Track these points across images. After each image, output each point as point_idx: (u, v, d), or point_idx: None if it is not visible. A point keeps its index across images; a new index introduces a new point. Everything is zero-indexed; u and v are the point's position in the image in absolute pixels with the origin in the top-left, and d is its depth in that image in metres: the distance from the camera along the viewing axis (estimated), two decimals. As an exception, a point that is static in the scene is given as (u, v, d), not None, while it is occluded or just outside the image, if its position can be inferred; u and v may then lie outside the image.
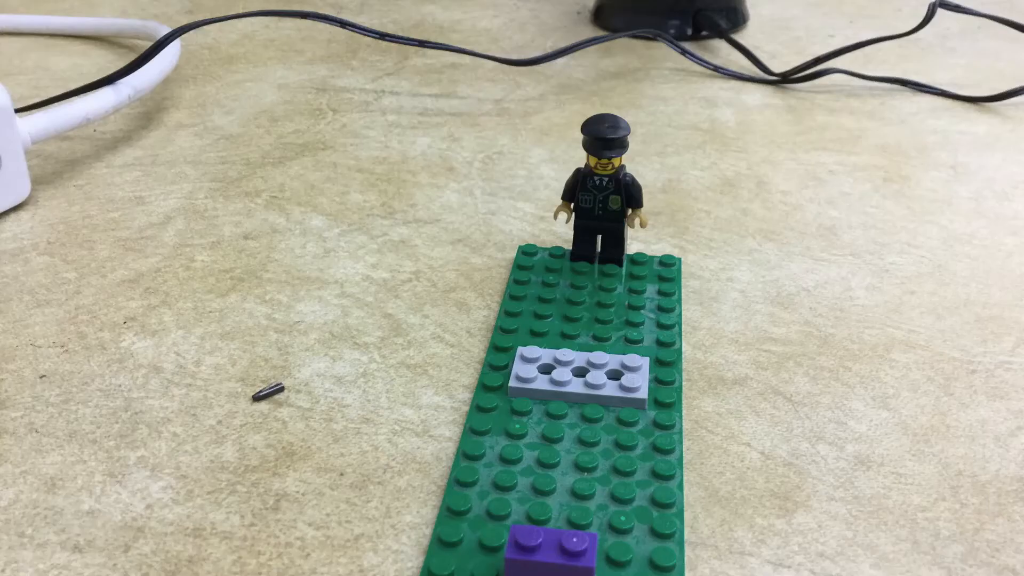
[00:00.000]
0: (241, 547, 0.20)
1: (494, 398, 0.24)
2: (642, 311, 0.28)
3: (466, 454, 0.22)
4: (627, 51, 0.52)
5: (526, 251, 0.31)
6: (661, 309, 0.28)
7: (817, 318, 0.28)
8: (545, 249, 0.31)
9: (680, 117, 0.43)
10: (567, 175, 0.37)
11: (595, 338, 0.27)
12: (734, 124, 0.42)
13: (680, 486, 0.21)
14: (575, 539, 0.18)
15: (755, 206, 0.35)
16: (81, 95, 0.36)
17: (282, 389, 0.24)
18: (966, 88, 0.46)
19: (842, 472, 0.22)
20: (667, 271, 0.29)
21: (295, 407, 0.24)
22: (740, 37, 0.53)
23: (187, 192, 0.35)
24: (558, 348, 0.26)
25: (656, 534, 0.20)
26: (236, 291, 0.29)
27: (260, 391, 0.24)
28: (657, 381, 0.25)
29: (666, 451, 0.22)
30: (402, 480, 0.22)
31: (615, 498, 0.21)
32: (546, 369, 0.25)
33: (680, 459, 0.22)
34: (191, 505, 0.21)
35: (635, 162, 0.38)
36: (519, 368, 0.25)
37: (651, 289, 0.29)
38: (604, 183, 0.28)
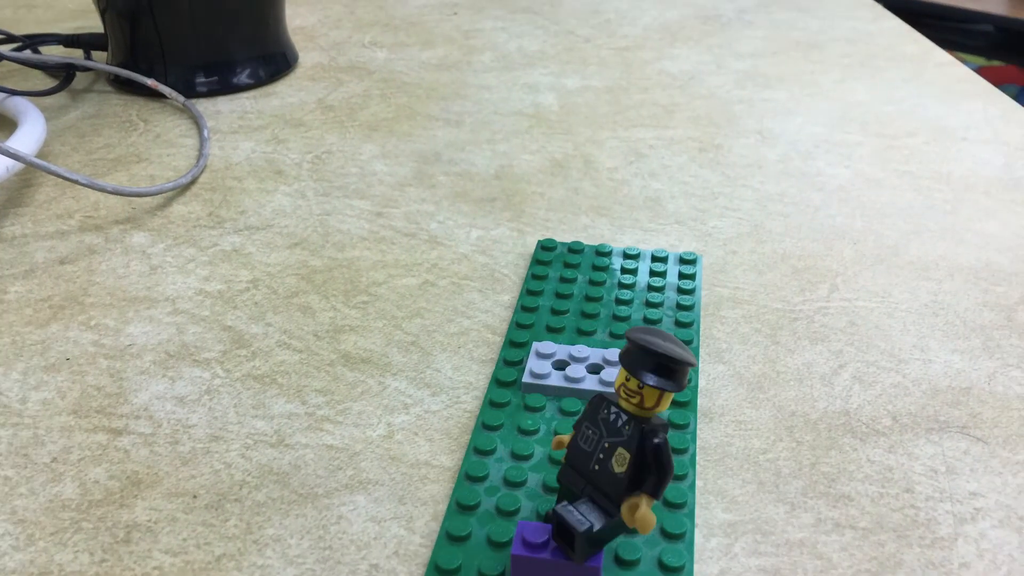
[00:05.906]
0: (92, 587, 0.19)
1: (507, 393, 0.24)
2: (660, 308, 0.27)
3: (477, 449, 0.22)
4: (447, 43, 0.52)
5: (545, 246, 0.30)
6: (680, 307, 0.27)
7: (652, 285, 0.29)
8: (565, 244, 0.30)
9: (505, 104, 0.43)
10: (400, 169, 0.37)
11: (612, 335, 0.26)
12: (557, 108, 0.43)
13: (692, 486, 0.21)
14: None
15: (585, 184, 0.36)
16: None
17: None
18: (765, 57, 0.49)
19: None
20: (687, 268, 0.29)
21: (136, 434, 0.23)
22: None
23: (-10, 220, 0.33)
24: (574, 344, 0.25)
25: (666, 535, 0.20)
26: (57, 320, 0.27)
27: None
28: None
29: (679, 450, 0.22)
30: (260, 494, 0.21)
31: None
32: (560, 365, 0.25)
33: (693, 458, 0.22)
34: (33, 550, 0.20)
35: (466, 151, 0.38)
36: (533, 364, 0.24)
37: (671, 286, 0.28)
38: (620, 423, 0.18)
